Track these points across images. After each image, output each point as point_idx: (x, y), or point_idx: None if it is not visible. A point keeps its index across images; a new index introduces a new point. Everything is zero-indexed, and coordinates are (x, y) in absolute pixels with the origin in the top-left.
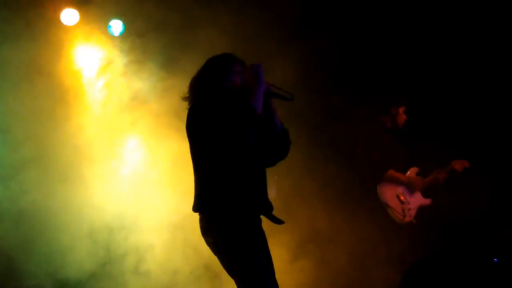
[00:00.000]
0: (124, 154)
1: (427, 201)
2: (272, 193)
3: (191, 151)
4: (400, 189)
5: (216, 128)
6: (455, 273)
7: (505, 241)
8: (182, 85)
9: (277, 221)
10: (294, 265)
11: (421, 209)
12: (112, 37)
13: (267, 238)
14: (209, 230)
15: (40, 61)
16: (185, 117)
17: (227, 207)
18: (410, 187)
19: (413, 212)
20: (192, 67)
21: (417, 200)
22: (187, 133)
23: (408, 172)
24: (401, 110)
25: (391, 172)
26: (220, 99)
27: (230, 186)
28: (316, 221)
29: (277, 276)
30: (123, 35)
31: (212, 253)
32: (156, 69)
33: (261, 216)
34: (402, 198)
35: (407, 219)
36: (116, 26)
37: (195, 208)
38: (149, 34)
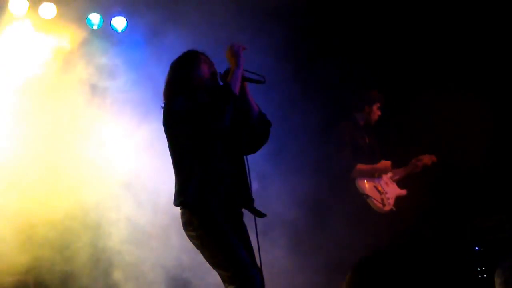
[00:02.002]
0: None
1: (403, 192)
2: (254, 185)
3: (168, 146)
4: (376, 181)
5: (188, 121)
6: (436, 262)
7: (484, 230)
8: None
9: (258, 214)
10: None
11: (398, 199)
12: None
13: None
14: (190, 224)
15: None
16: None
17: (205, 200)
18: (382, 173)
19: (391, 201)
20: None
21: (393, 190)
22: (164, 129)
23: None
24: (375, 107)
25: (359, 166)
26: (191, 93)
27: (207, 179)
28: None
29: None
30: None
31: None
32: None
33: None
34: (380, 188)
35: (387, 208)
36: (95, 19)
37: (176, 203)
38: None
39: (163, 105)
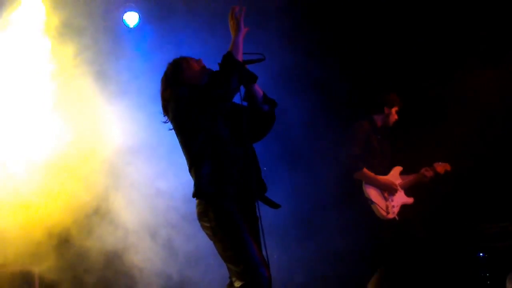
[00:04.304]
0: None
1: (409, 200)
2: None
3: (179, 142)
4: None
5: (196, 100)
6: (440, 267)
7: (489, 237)
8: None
9: (273, 205)
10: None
11: (403, 207)
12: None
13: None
14: (205, 215)
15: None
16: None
17: (220, 186)
18: (382, 189)
19: (396, 210)
20: None
21: (400, 198)
22: (173, 126)
23: (392, 171)
24: (393, 110)
25: (366, 170)
26: (185, 86)
27: (219, 163)
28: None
29: None
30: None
31: None
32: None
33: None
34: (386, 195)
35: (390, 216)
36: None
37: (193, 194)
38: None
39: (165, 121)
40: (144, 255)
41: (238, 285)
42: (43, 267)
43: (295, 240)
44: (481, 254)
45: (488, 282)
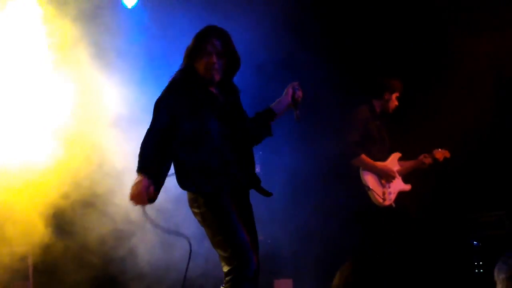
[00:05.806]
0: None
1: (406, 187)
2: (256, 168)
3: None
4: None
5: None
6: (434, 256)
7: (483, 226)
8: None
9: (265, 193)
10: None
11: (400, 194)
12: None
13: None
14: (195, 201)
15: None
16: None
17: (210, 185)
18: (380, 176)
19: (393, 196)
20: None
21: (397, 185)
22: None
23: (390, 158)
24: (394, 96)
25: (364, 156)
26: (180, 79)
27: (207, 165)
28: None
29: None
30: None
31: None
32: None
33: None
34: (383, 181)
35: (387, 202)
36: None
37: (180, 185)
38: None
39: None
40: (147, 232)
41: (226, 270)
42: (38, 246)
43: (287, 221)
44: (475, 242)
45: (481, 271)
